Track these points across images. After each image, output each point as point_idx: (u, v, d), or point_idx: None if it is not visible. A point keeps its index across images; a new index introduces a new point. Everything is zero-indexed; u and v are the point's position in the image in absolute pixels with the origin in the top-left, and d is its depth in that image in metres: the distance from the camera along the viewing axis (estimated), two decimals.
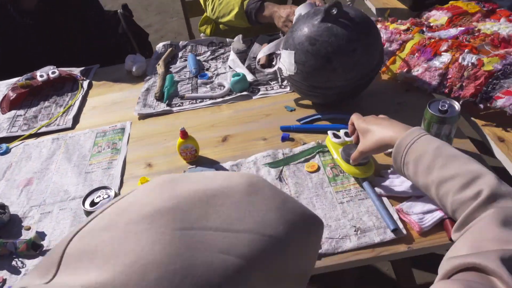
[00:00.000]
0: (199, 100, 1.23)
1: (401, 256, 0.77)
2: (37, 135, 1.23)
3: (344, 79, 0.94)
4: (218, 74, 1.32)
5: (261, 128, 1.09)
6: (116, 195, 0.94)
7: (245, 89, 1.23)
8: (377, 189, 0.85)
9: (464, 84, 1.01)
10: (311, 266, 0.41)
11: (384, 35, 1.19)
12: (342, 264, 0.77)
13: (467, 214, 0.61)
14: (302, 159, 0.97)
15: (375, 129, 0.79)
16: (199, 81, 1.31)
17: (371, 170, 0.87)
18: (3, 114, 1.33)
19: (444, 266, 0.54)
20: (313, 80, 0.97)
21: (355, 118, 0.86)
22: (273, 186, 0.40)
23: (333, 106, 1.09)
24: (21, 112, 1.33)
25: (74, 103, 1.33)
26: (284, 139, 1.04)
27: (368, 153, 0.82)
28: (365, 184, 0.87)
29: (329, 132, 0.95)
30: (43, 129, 1.24)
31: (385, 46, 1.18)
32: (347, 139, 0.93)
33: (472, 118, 1.03)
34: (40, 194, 1.02)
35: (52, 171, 1.09)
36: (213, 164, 1.01)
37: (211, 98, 1.23)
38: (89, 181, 1.04)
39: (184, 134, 0.99)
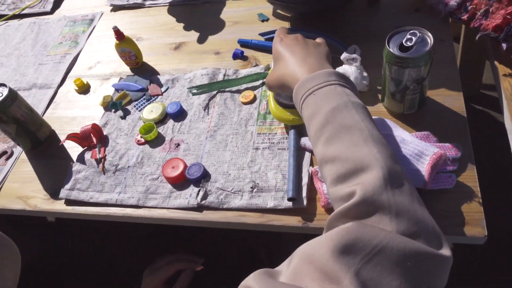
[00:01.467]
0: None
1: (293, 231, 0.60)
2: (20, 16, 1.19)
3: None
4: None
5: (220, 39, 0.90)
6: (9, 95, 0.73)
7: None
8: (303, 140, 0.66)
9: (492, 9, 0.69)
10: None
11: None
12: (223, 223, 0.63)
13: (331, 218, 0.43)
14: (243, 86, 0.78)
15: (286, 58, 0.57)
16: None
17: None
18: None
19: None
20: None
21: (276, 35, 0.63)
22: None
23: (312, 21, 0.84)
24: None
25: None
26: (235, 56, 0.84)
27: (273, 89, 0.62)
28: (291, 132, 0.67)
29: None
30: (27, 11, 1.19)
31: None
32: None
33: (496, 63, 0.72)
34: None
35: (14, 57, 1.05)
36: (151, 75, 0.87)
37: None
38: (37, 73, 0.98)
39: (118, 34, 0.85)
